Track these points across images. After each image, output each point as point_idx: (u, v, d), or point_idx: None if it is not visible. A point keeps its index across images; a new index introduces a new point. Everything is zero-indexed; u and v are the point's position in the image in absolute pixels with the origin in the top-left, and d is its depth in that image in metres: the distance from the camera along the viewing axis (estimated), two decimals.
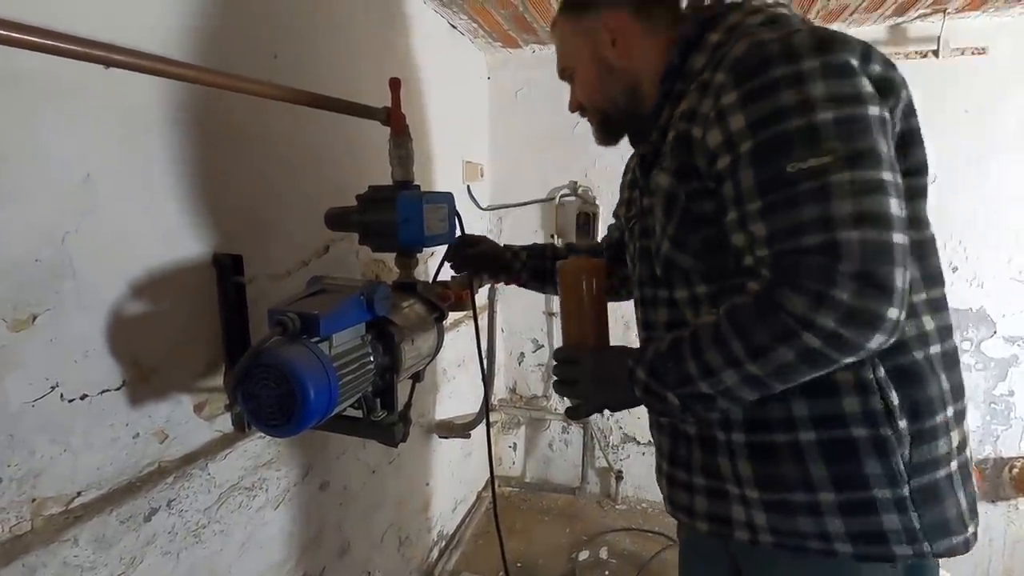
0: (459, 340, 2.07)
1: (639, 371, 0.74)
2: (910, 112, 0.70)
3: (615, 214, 1.11)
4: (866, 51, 0.65)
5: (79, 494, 0.75)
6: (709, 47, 0.74)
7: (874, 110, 0.61)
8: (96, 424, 0.77)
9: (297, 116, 1.10)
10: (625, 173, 1.04)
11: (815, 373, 0.63)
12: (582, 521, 2.35)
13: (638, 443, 2.47)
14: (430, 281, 1.19)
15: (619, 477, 2.46)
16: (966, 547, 0.70)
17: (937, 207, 2.25)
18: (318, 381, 0.73)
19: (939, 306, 0.73)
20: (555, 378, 0.87)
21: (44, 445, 0.71)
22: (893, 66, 0.67)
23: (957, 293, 2.08)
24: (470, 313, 1.17)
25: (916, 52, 1.90)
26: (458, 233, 1.13)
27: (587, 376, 0.83)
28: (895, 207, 0.59)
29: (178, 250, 0.88)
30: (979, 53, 1.86)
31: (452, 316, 1.20)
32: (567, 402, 0.89)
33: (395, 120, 1.03)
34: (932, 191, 2.05)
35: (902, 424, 0.67)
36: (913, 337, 0.68)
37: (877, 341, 0.59)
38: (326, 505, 1.30)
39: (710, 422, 0.77)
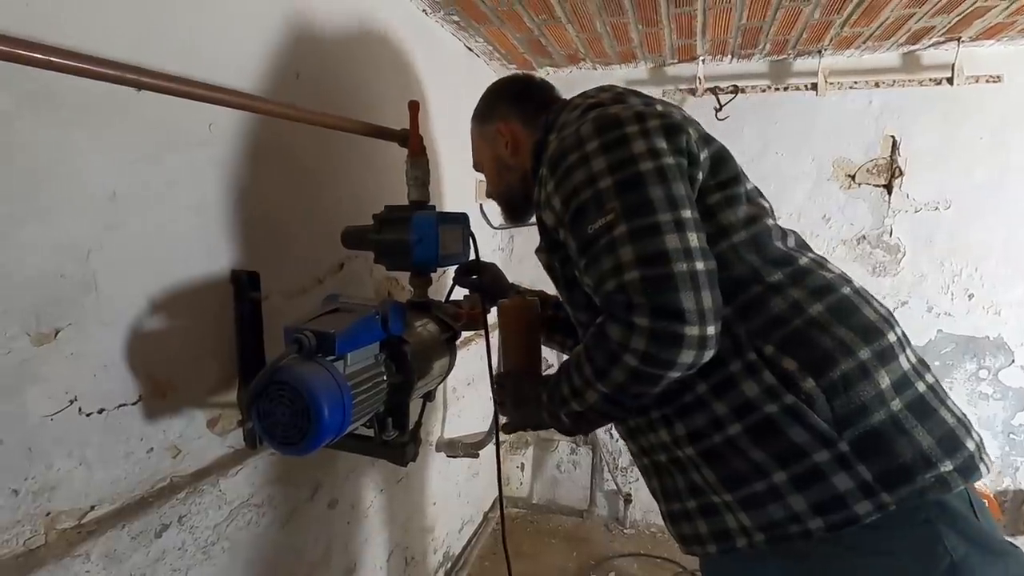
0: (469, 358, 2.06)
1: (544, 396, 0.88)
2: (707, 139, 0.82)
3: None
4: (640, 115, 0.77)
5: (92, 508, 0.76)
6: (549, 145, 0.88)
7: (648, 165, 0.73)
8: (112, 438, 0.78)
9: (315, 135, 1.12)
10: None
11: (649, 388, 0.73)
12: (590, 545, 2.32)
13: None
14: (443, 300, 1.20)
15: (628, 501, 2.43)
16: (946, 486, 0.68)
17: (952, 234, 2.23)
18: (333, 400, 0.74)
19: (799, 275, 0.78)
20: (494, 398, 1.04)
21: (61, 459, 0.71)
22: (669, 114, 0.79)
23: (974, 321, 2.05)
24: (482, 332, 1.17)
25: (931, 79, 1.91)
26: (472, 255, 1.14)
27: (509, 398, 1.00)
28: (674, 242, 0.69)
29: (197, 266, 0.90)
30: (994, 81, 1.86)
31: (463, 334, 1.20)
32: None
33: (413, 142, 1.05)
34: (946, 218, 2.07)
35: (808, 384, 0.71)
36: (785, 309, 0.75)
37: (688, 355, 0.67)
38: (334, 524, 1.29)
39: (666, 446, 0.82)
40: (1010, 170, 1.95)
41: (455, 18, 1.67)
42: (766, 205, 0.85)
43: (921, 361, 0.78)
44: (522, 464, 2.59)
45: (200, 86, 0.78)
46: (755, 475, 0.74)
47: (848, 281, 0.81)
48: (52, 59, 0.58)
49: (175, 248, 0.86)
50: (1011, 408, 2.06)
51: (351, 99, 1.28)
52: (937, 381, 0.77)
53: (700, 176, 0.78)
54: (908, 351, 0.77)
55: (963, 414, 0.76)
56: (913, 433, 0.69)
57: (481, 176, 1.11)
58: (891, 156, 2.04)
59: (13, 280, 0.65)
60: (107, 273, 0.75)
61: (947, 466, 0.68)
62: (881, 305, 0.80)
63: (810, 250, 0.85)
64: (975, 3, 1.52)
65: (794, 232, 0.87)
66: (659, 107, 0.83)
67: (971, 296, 2.05)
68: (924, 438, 0.69)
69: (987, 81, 1.87)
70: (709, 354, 0.69)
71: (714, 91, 2.09)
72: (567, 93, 1.00)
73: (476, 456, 1.95)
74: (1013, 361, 2.04)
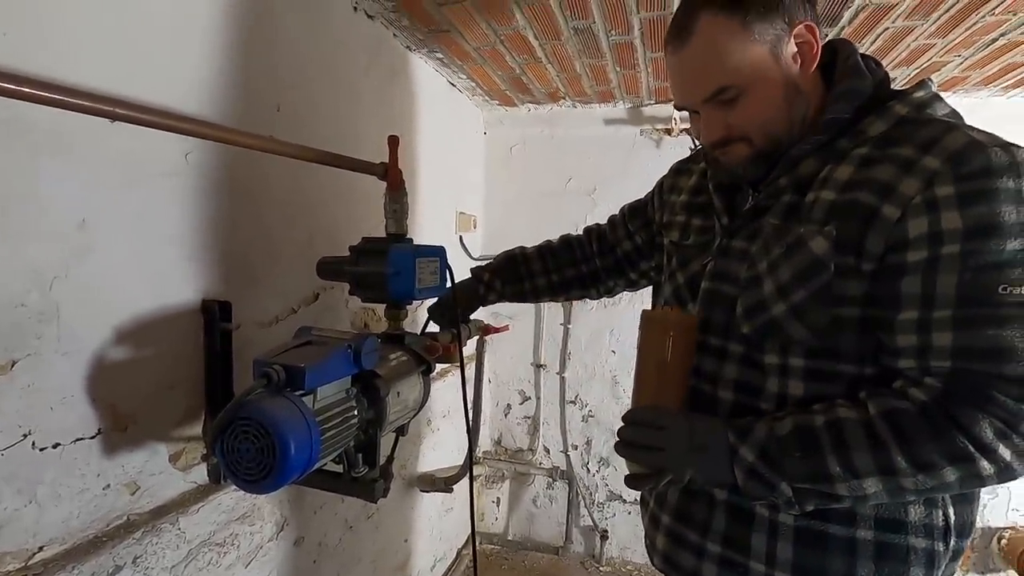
0: (445, 390, 2.04)
1: (745, 451, 0.68)
2: None
3: (632, 210, 1.14)
4: None
5: (41, 549, 0.72)
6: (892, 116, 0.68)
7: None
8: (66, 474, 0.75)
9: (294, 166, 1.13)
10: (672, 191, 0.97)
11: (962, 491, 0.66)
12: None
13: (624, 501, 2.41)
14: (419, 332, 1.19)
15: (604, 537, 2.39)
16: None
17: None
18: (299, 437, 0.72)
19: None
20: (624, 440, 0.75)
21: (9, 496, 0.68)
22: None
23: None
24: (458, 364, 1.16)
25: None
26: (448, 286, 1.14)
27: (679, 445, 0.72)
28: None
29: (167, 296, 0.88)
30: None
31: (440, 366, 1.19)
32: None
33: (392, 176, 1.06)
34: None
35: (952, 541, 0.69)
36: None
37: None
38: (300, 563, 1.25)
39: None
40: None
41: (438, 55, 1.71)
42: None
43: None
44: (498, 499, 2.54)
45: (176, 117, 0.78)
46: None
47: None
48: (25, 89, 0.58)
49: (145, 277, 0.84)
50: None
51: (332, 131, 1.29)
52: None
53: None
54: None
55: None
56: None
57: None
58: None
59: None
60: (71, 302, 0.74)
61: None
62: None
63: None
64: (932, 58, 1.60)
65: None
66: None
67: None
68: None
69: None
70: None
71: (689, 131, 2.16)
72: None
73: (451, 491, 1.91)
74: None
